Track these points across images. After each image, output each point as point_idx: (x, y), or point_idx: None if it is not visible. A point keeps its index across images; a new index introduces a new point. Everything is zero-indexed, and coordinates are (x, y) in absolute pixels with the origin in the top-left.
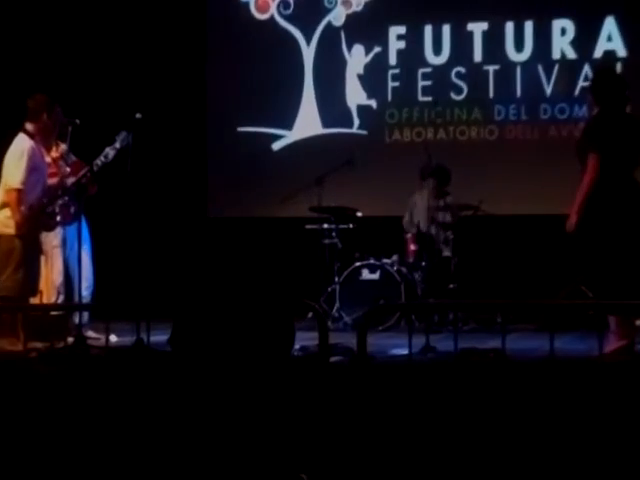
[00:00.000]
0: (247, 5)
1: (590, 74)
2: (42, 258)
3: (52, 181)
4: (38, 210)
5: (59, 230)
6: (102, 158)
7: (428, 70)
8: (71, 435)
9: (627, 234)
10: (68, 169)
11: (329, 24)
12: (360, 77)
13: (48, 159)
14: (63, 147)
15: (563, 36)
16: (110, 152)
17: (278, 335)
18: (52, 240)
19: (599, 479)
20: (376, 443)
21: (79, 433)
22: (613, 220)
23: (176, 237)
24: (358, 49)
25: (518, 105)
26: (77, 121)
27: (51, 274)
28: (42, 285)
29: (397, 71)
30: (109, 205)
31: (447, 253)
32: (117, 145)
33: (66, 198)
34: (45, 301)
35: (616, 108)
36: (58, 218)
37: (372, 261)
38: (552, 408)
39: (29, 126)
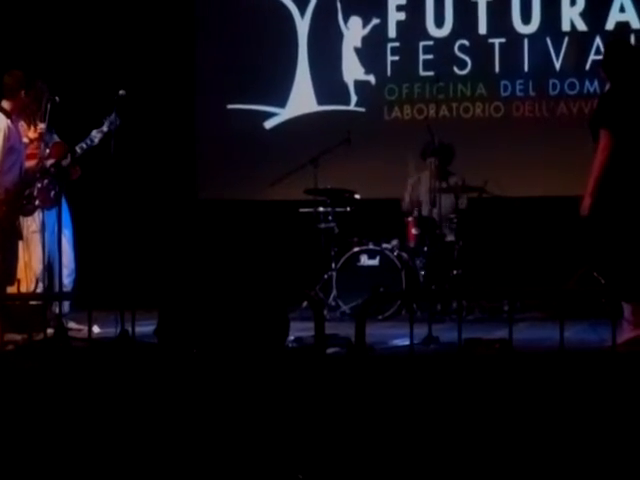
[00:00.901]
0: None
1: (602, 47)
2: (20, 244)
3: (30, 163)
4: (15, 194)
5: (38, 215)
6: (87, 141)
7: (430, 43)
8: (52, 433)
9: None
10: (48, 150)
11: None
12: (357, 51)
13: (26, 139)
14: (42, 127)
15: (573, 6)
16: (97, 135)
17: (271, 325)
18: (30, 225)
19: (610, 475)
20: (375, 440)
21: (60, 431)
22: (629, 202)
23: (163, 221)
24: (355, 21)
25: (525, 80)
26: (56, 98)
27: (30, 261)
28: (20, 273)
29: (397, 44)
30: (92, 188)
31: (450, 237)
32: (104, 128)
33: (46, 181)
34: (23, 290)
35: (629, 83)
36: (37, 202)
37: (371, 246)
38: (562, 402)
39: (5, 104)
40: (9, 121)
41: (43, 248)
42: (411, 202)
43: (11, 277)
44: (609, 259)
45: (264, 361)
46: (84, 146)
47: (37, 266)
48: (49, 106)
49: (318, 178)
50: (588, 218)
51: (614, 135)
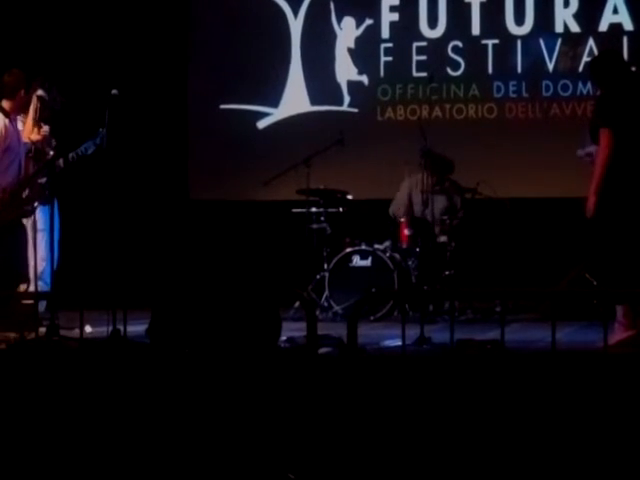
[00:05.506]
0: None
1: (595, 48)
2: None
3: (30, 165)
4: (12, 194)
5: (39, 214)
6: (82, 149)
7: (423, 44)
8: (43, 432)
9: None
10: (52, 152)
11: None
12: (351, 51)
13: (27, 140)
14: (46, 129)
15: (566, 8)
16: (90, 147)
17: (263, 326)
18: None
19: (602, 477)
20: (367, 440)
21: (52, 430)
22: (632, 200)
23: (155, 221)
24: (349, 21)
25: (519, 81)
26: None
27: (33, 260)
28: None
29: (390, 45)
30: (84, 186)
31: (443, 238)
32: (97, 141)
33: (44, 179)
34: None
35: (621, 85)
36: (35, 204)
37: (363, 247)
38: (554, 403)
39: (5, 103)
40: (7, 120)
41: (35, 246)
42: (401, 206)
43: (20, 276)
44: (609, 258)
45: (256, 361)
46: (79, 153)
47: (40, 265)
48: (40, 105)
49: (311, 178)
50: (592, 218)
51: (614, 133)
